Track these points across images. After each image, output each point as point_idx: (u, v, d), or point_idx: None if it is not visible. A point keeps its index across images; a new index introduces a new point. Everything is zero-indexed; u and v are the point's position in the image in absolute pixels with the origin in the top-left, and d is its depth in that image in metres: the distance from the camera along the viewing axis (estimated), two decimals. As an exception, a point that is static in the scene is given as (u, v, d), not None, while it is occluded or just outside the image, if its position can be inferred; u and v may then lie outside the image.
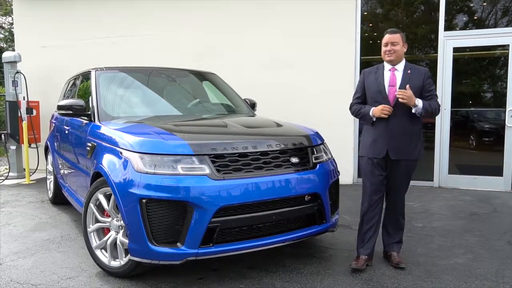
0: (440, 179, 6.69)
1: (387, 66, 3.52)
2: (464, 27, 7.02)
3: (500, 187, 6.42)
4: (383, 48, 3.49)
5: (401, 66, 3.49)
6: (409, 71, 3.46)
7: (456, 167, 6.76)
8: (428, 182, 6.73)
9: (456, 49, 6.58)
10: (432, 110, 3.41)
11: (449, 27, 6.70)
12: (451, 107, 6.58)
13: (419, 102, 3.32)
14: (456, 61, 6.63)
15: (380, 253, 3.71)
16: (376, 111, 3.40)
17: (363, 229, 3.57)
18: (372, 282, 3.25)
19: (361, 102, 3.63)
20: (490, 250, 3.93)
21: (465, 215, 5.12)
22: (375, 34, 7.56)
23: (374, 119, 3.45)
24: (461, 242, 4.16)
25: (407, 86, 3.31)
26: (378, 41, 7.53)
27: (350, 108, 3.70)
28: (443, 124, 6.60)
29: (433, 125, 6.71)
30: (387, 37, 3.48)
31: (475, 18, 7.16)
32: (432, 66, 6.71)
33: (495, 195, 6.12)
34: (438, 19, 6.58)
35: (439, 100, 6.45)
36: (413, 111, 3.35)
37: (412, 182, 6.51)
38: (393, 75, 3.47)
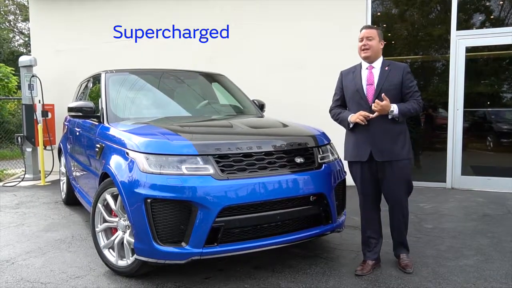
0: (453, 180, 6.58)
1: (364, 65, 3.42)
2: (477, 27, 6.93)
3: (515, 189, 6.30)
4: (359, 44, 3.40)
5: (378, 63, 3.38)
6: (386, 68, 3.34)
7: (470, 168, 6.65)
8: (441, 184, 6.64)
9: (469, 49, 6.49)
10: (412, 112, 3.29)
11: (461, 26, 6.60)
12: (464, 107, 6.48)
13: (395, 108, 3.20)
14: (472, 61, 6.53)
15: (387, 254, 3.67)
16: (353, 117, 3.30)
17: (367, 234, 3.52)
18: (378, 283, 3.22)
19: (340, 104, 3.54)
20: (501, 252, 3.86)
21: (478, 217, 5.04)
22: (389, 34, 7.50)
23: (351, 126, 3.36)
24: (471, 243, 4.10)
25: (383, 95, 3.18)
26: (393, 42, 7.51)
27: (330, 112, 3.60)
28: (455, 125, 6.50)
29: (445, 126, 6.63)
30: (362, 32, 3.39)
31: (488, 17, 7.06)
32: (446, 66, 6.63)
33: (510, 197, 6.00)
34: (450, 18, 6.50)
35: (451, 100, 6.44)
36: (389, 117, 3.24)
37: (424, 183, 6.62)
38: (370, 73, 3.37)
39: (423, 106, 3.36)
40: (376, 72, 3.36)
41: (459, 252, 3.87)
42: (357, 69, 3.47)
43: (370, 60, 3.38)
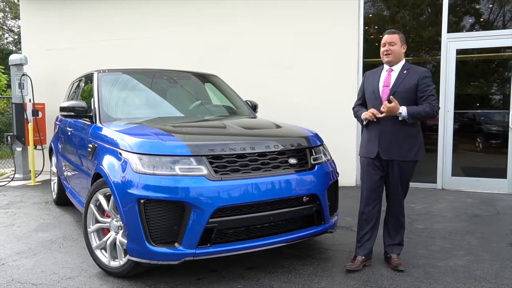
0: (444, 181, 6.66)
1: (385, 67, 3.55)
2: (467, 29, 7.00)
3: (503, 190, 6.38)
4: (382, 49, 3.51)
5: (398, 66, 3.49)
6: (405, 71, 3.45)
7: (460, 169, 6.72)
8: (431, 184, 6.71)
9: (460, 51, 6.56)
10: (424, 115, 3.35)
11: (452, 29, 6.67)
12: (455, 109, 6.55)
13: (403, 110, 3.29)
14: (462, 63, 6.60)
15: (380, 255, 3.71)
16: (364, 114, 3.48)
17: (361, 230, 3.58)
18: (370, 283, 3.24)
19: (361, 103, 3.68)
20: (491, 252, 3.91)
21: (468, 217, 5.10)
22: (381, 36, 7.54)
23: (364, 123, 3.52)
24: (462, 244, 4.15)
25: (391, 97, 3.30)
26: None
27: (353, 109, 3.77)
28: (446, 126, 6.58)
29: (436, 127, 6.69)
30: (385, 38, 3.50)
31: (479, 20, 7.13)
32: (437, 68, 6.69)
33: (499, 197, 6.09)
34: (441, 21, 6.56)
35: (442, 102, 6.50)
36: (399, 118, 3.34)
37: (415, 184, 6.66)
38: (388, 75, 3.50)
39: (437, 110, 3.40)
40: (394, 74, 3.48)
41: (449, 252, 3.91)
42: (378, 71, 3.59)
43: (391, 64, 3.50)
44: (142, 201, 2.98)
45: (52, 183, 6.16)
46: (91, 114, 4.22)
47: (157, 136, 3.31)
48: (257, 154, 3.29)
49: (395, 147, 3.40)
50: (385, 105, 3.30)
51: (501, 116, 6.74)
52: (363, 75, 3.78)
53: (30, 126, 7.58)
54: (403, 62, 3.51)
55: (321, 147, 3.81)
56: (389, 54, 3.45)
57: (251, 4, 7.38)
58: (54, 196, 5.95)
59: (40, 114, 8.03)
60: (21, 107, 7.77)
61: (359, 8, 6.88)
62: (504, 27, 6.73)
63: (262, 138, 3.56)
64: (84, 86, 5.27)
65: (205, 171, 3.07)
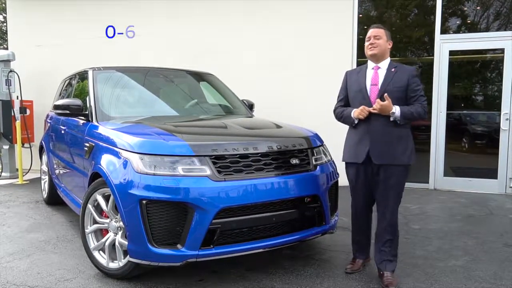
0: (436, 181, 6.72)
1: (370, 65, 3.33)
2: (460, 31, 7.07)
3: (494, 190, 6.46)
4: (366, 43, 3.29)
5: (385, 64, 3.27)
6: (393, 69, 3.23)
7: (451, 170, 6.79)
8: (424, 184, 6.77)
9: (452, 52, 6.61)
10: (416, 116, 3.15)
11: (445, 30, 6.73)
12: (447, 110, 6.61)
13: (396, 109, 3.09)
14: (454, 64, 6.67)
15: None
16: (356, 112, 3.23)
17: (356, 236, 3.54)
18: (372, 284, 3.24)
19: (344, 105, 3.44)
20: (488, 252, 3.95)
21: (462, 217, 5.15)
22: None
23: (356, 122, 3.26)
24: (459, 244, 4.18)
25: (385, 95, 3.07)
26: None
27: (334, 112, 3.51)
28: (438, 127, 6.63)
29: (428, 128, 6.75)
30: (370, 31, 3.28)
31: (471, 21, 7.20)
32: (428, 69, 6.74)
33: (490, 198, 6.17)
34: (435, 22, 6.61)
35: (434, 103, 6.55)
36: (391, 119, 3.14)
37: (407, 184, 6.65)
38: (375, 73, 3.27)
39: (426, 111, 3.25)
40: (382, 72, 3.26)
41: (447, 253, 3.93)
42: (362, 69, 3.38)
43: (376, 59, 3.27)
44: (144, 201, 2.92)
45: (42, 182, 6.02)
46: (87, 112, 4.13)
47: (158, 135, 3.25)
48: (260, 154, 3.26)
49: (388, 150, 3.14)
50: (378, 103, 3.07)
51: (492, 117, 6.83)
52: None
53: (18, 123, 7.41)
54: (389, 60, 3.29)
55: (321, 148, 3.80)
56: (374, 47, 3.22)
57: (245, 4, 7.32)
58: (45, 195, 5.82)
59: (28, 111, 7.87)
60: (8, 104, 7.60)
61: (353, 8, 6.89)
62: (490, 29, 6.81)
63: (264, 138, 3.51)
64: (76, 84, 5.17)
65: (208, 172, 3.02)
